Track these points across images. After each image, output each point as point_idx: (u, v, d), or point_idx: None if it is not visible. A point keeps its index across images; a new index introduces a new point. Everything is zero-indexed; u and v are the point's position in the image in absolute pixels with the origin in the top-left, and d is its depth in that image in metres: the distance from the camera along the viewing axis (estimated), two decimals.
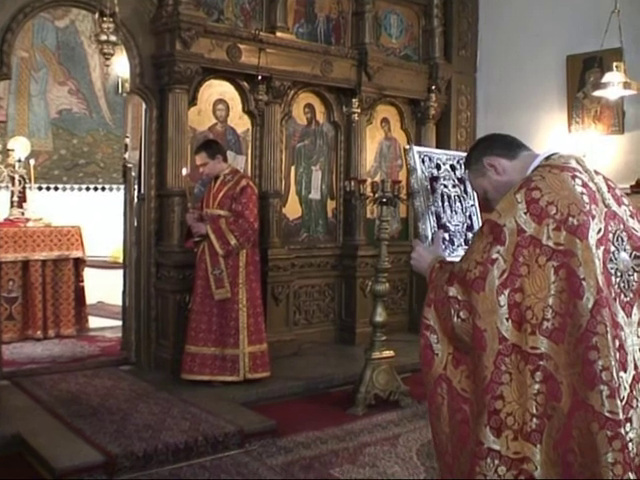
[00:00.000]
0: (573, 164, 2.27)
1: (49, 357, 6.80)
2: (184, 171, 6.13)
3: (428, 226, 2.69)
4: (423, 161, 2.75)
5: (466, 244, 2.75)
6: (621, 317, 2.11)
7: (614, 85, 6.22)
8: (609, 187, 2.30)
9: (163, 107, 6.33)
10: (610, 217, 2.18)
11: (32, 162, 8.71)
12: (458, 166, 2.85)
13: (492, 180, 2.44)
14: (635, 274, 2.20)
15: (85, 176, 10.83)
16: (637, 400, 2.08)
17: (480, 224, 2.79)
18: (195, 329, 5.81)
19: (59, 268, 7.64)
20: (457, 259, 2.41)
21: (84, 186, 10.83)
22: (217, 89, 6.79)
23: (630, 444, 2.02)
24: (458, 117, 8.53)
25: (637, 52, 6.90)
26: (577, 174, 2.21)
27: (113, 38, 5.30)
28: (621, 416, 1.98)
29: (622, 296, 2.14)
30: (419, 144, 7.64)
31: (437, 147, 7.87)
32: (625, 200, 2.33)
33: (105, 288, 8.88)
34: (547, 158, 2.33)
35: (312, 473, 4.41)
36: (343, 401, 5.75)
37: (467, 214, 2.84)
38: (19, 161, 8.35)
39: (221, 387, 5.76)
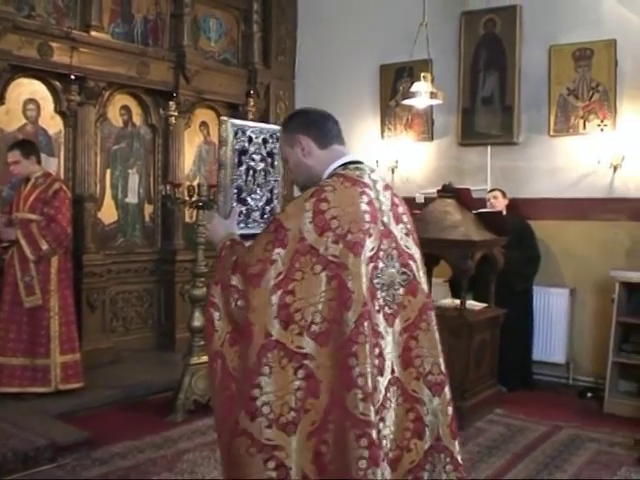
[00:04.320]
0: (365, 179, 2.37)
1: None
2: None
3: (228, 199, 2.71)
4: (236, 134, 2.75)
5: (262, 218, 2.81)
6: (383, 327, 2.29)
7: (422, 94, 6.55)
8: (393, 204, 2.44)
9: None
10: (385, 236, 2.34)
11: None
12: (270, 140, 2.86)
13: (296, 156, 2.50)
14: (401, 288, 2.38)
15: None
16: (390, 401, 2.29)
17: (279, 201, 2.90)
18: (3, 338, 5.56)
19: None
20: (251, 232, 2.60)
21: None
22: (27, 88, 6.50)
23: (384, 440, 2.23)
24: (277, 122, 8.63)
25: (444, 63, 7.30)
26: (366, 190, 2.33)
27: None
28: (372, 417, 2.15)
29: (386, 308, 2.32)
30: None
31: None
32: (405, 218, 2.47)
33: None
34: (345, 165, 2.42)
35: None
36: (162, 408, 5.66)
37: (269, 188, 2.88)
38: None
39: (33, 399, 5.51)
